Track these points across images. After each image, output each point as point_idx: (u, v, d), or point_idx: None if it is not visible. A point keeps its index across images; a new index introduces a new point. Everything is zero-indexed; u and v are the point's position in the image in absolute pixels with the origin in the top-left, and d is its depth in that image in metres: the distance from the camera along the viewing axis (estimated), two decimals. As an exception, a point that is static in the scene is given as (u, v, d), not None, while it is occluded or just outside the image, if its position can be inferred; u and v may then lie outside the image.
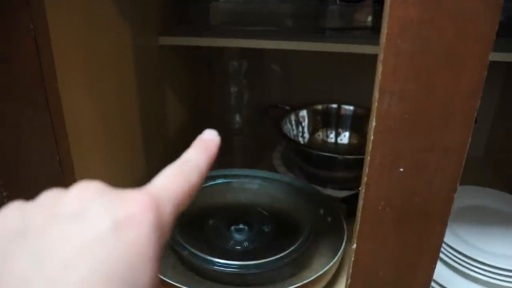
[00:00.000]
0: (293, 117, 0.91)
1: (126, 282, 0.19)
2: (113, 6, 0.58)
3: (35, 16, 0.41)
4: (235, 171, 0.78)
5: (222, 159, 0.97)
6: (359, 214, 0.37)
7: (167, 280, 0.57)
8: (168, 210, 0.23)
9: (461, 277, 0.59)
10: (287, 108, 0.92)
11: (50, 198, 0.22)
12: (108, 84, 0.59)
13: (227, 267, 0.59)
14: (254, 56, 0.88)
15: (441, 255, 0.61)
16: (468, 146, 0.33)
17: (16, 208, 0.21)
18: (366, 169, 0.35)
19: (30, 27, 0.41)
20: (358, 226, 0.37)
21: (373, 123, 0.33)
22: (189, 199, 0.25)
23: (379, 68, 0.32)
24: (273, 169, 0.86)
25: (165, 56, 0.77)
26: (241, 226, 0.68)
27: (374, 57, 0.33)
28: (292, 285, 0.57)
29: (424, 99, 0.32)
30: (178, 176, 0.25)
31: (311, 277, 0.58)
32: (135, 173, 0.70)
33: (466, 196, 0.71)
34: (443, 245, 0.60)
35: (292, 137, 0.90)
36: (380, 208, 0.36)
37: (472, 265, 0.57)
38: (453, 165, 0.34)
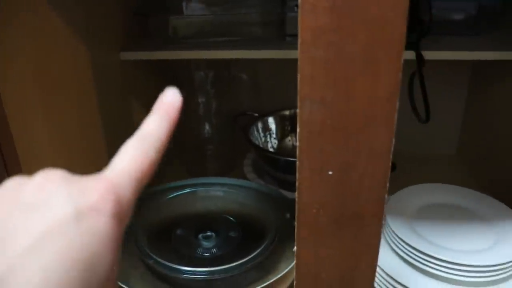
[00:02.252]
0: (260, 124, 0.92)
1: (87, 269, 0.20)
2: (67, 27, 0.59)
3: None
4: (202, 180, 0.79)
5: (196, 169, 0.97)
6: (296, 218, 0.38)
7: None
8: (128, 195, 0.23)
9: (422, 275, 0.60)
10: (256, 115, 0.93)
11: (12, 186, 0.22)
12: (66, 102, 0.59)
13: (194, 274, 0.60)
14: (221, 65, 0.89)
15: (401, 253, 0.61)
16: (392, 148, 0.34)
17: None
18: (297, 174, 0.36)
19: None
20: (296, 230, 0.38)
21: (298, 129, 0.34)
22: (150, 176, 0.25)
23: (298, 77, 0.32)
24: (244, 176, 0.86)
25: (128, 70, 0.78)
26: (208, 233, 0.69)
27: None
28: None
29: (344, 105, 0.33)
30: (137, 156, 0.25)
31: (273, 279, 0.59)
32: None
33: (429, 194, 0.72)
34: (403, 243, 0.60)
35: (261, 143, 0.91)
36: (314, 211, 0.37)
37: (432, 263, 0.58)
38: (380, 167, 0.35)
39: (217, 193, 0.76)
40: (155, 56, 0.75)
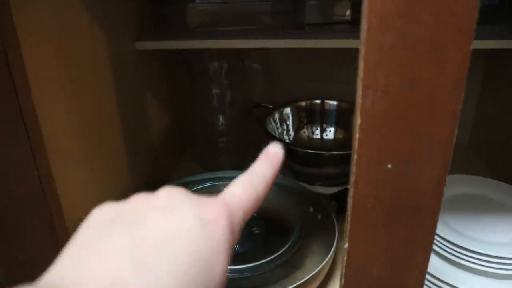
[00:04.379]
0: (277, 116, 0.90)
1: (207, 269, 0.23)
2: (87, 13, 0.57)
3: (2, 29, 0.39)
4: (221, 174, 0.77)
5: (208, 162, 0.96)
6: (349, 213, 0.36)
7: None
8: (239, 216, 0.27)
9: (455, 267, 0.59)
10: (271, 106, 0.91)
11: (141, 197, 0.26)
12: (86, 92, 0.57)
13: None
14: (235, 56, 0.87)
15: (434, 246, 0.60)
16: (455, 139, 0.33)
17: (109, 204, 0.25)
18: (353, 168, 0.34)
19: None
20: (349, 226, 0.37)
21: (357, 120, 0.32)
22: (256, 207, 0.29)
23: (361, 64, 0.31)
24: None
25: (143, 60, 0.76)
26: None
27: (355, 50, 0.32)
28: (286, 287, 0.56)
29: (408, 94, 0.31)
30: (247, 187, 0.29)
31: (305, 277, 0.57)
32: (119, 181, 0.69)
33: (456, 185, 0.71)
34: (435, 236, 0.59)
35: (277, 135, 0.89)
36: (370, 206, 0.36)
37: (465, 255, 0.57)
38: (441, 158, 0.34)
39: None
40: (170, 45, 0.73)
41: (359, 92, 0.32)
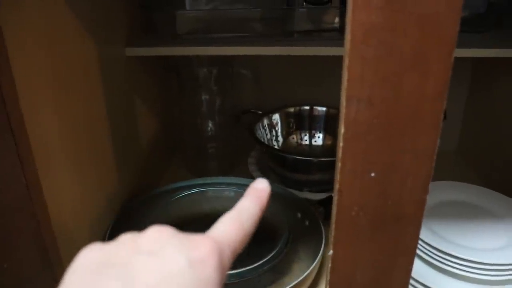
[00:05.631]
0: (266, 121, 0.91)
1: None
2: (76, 19, 0.57)
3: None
4: (210, 180, 0.77)
5: (197, 167, 0.96)
6: (333, 221, 0.37)
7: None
8: (227, 254, 0.27)
9: (440, 273, 0.60)
10: (260, 112, 0.91)
11: (128, 238, 0.26)
12: (75, 98, 0.57)
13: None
14: (224, 62, 0.87)
15: (418, 252, 0.61)
16: (437, 148, 0.33)
17: (96, 246, 0.25)
18: (337, 176, 0.35)
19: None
20: (333, 233, 0.37)
21: (341, 130, 0.33)
22: (244, 243, 0.29)
23: (345, 75, 0.31)
24: (248, 175, 0.85)
25: (133, 66, 0.76)
26: (218, 235, 0.67)
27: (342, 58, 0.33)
28: (273, 293, 0.56)
29: (392, 104, 0.32)
30: (235, 224, 0.29)
31: (291, 283, 0.57)
32: (107, 187, 0.69)
33: (442, 192, 0.72)
34: (420, 242, 0.60)
35: (266, 141, 0.90)
36: (353, 213, 0.36)
37: (450, 261, 0.58)
38: (424, 167, 0.34)
39: (226, 193, 0.75)
40: (160, 52, 0.73)
41: (343, 102, 0.32)
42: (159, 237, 0.25)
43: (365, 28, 0.30)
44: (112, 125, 0.68)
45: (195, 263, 0.24)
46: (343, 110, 0.33)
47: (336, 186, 0.35)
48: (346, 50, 0.31)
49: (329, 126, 0.95)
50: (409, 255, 0.38)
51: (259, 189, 0.32)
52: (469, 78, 1.00)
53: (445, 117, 0.87)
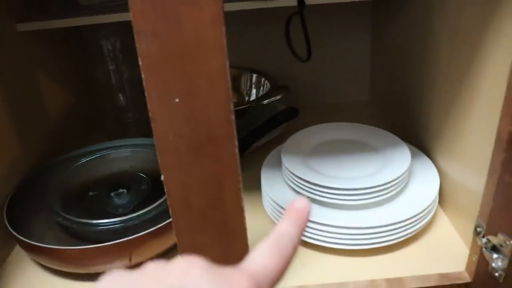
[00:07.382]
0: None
1: None
2: None
3: None
4: (107, 144, 0.82)
5: (115, 137, 0.98)
6: (156, 147, 0.41)
7: (50, 246, 0.60)
8: None
9: (319, 206, 0.65)
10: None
11: (155, 268, 0.23)
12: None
13: (105, 225, 0.64)
14: (128, 31, 0.90)
15: (297, 188, 0.66)
16: (228, 70, 0.37)
17: (119, 273, 0.23)
18: (148, 105, 0.39)
19: None
20: (159, 159, 0.41)
21: (140, 62, 0.37)
22: (284, 273, 0.26)
23: (131, 12, 0.35)
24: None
25: (30, 42, 0.78)
26: (120, 190, 0.72)
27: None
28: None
29: (175, 34, 0.36)
30: (275, 254, 0.25)
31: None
32: (7, 157, 0.72)
33: (324, 133, 0.76)
34: (297, 179, 0.65)
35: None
36: (171, 138, 0.40)
37: (323, 192, 0.63)
38: (220, 89, 0.38)
39: (126, 154, 0.79)
40: (53, 25, 0.75)
41: (135, 37, 0.36)
42: (189, 270, 0.22)
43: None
44: (9, 100, 0.71)
45: None
46: (137, 45, 0.37)
47: (150, 114, 0.39)
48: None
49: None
50: (233, 175, 0.42)
51: (299, 209, 0.28)
52: (370, 25, 1.03)
53: (296, 113, 0.92)
